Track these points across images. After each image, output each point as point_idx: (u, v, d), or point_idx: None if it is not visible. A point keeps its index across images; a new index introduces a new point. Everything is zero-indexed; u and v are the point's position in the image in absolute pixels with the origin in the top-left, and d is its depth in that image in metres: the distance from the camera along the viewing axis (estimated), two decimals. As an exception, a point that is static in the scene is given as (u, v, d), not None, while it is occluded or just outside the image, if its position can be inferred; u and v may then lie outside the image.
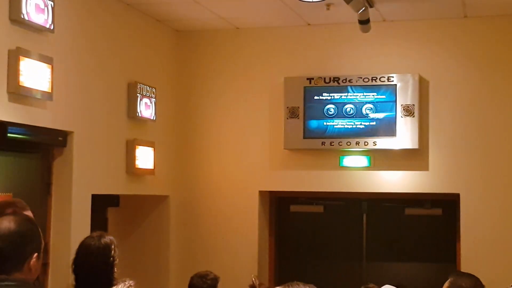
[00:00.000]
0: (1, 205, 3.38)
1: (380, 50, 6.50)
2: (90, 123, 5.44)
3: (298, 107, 6.46)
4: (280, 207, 7.03)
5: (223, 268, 5.37)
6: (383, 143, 6.29)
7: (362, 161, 6.44)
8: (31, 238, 2.35)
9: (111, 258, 3.49)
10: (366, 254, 6.76)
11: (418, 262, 6.73)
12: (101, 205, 6.06)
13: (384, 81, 6.32)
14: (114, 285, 3.34)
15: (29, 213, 3.32)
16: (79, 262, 3.49)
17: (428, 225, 6.70)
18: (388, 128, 6.27)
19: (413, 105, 6.23)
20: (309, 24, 6.65)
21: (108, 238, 3.55)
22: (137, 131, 6.15)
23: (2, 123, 4.44)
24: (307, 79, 6.47)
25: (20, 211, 3.26)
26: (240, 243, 6.64)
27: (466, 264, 6.08)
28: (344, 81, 6.41)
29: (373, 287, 4.55)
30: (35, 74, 4.60)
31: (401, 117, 6.25)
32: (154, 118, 6.32)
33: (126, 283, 3.36)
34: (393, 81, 6.31)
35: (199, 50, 6.93)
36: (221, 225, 6.73)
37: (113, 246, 3.53)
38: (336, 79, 6.43)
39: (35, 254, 2.35)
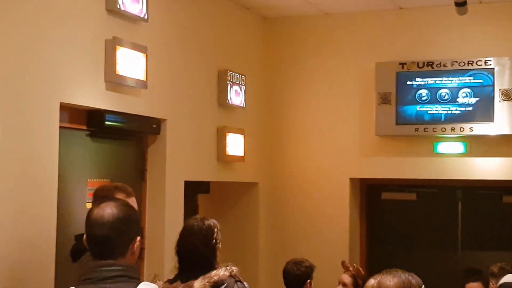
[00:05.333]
0: (109, 188, 3.44)
1: (476, 32, 6.27)
2: (182, 111, 5.51)
3: (390, 92, 6.33)
4: (371, 195, 6.93)
5: (313, 256, 5.32)
6: (480, 128, 6.09)
7: (458, 147, 6.26)
8: (133, 223, 2.38)
9: (214, 240, 3.46)
10: (461, 243, 6.58)
11: (516, 252, 6.50)
12: (192, 191, 6.14)
13: (481, 65, 6.11)
14: (216, 269, 3.34)
15: (133, 200, 3.37)
16: (182, 243, 3.49)
17: (527, 214, 6.46)
18: (485, 113, 6.06)
19: (512, 89, 6.01)
20: (401, 8, 6.48)
21: (211, 221, 3.53)
22: (227, 118, 6.18)
23: (100, 111, 4.55)
24: (400, 64, 6.33)
25: (128, 197, 3.31)
26: (331, 230, 6.59)
27: None
28: (439, 65, 6.23)
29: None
30: (130, 63, 4.68)
31: (499, 101, 6.03)
32: (244, 105, 6.34)
33: (228, 267, 3.36)
34: (490, 64, 6.08)
35: (287, 36, 6.89)
36: (311, 212, 6.70)
37: (216, 230, 3.50)
38: (430, 64, 6.26)
39: (138, 238, 2.38)
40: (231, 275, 3.36)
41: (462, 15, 5.68)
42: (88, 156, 4.71)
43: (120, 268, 2.29)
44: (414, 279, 2.93)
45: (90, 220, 2.34)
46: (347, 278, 4.85)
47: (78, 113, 4.49)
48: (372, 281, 2.77)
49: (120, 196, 3.24)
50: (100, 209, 2.33)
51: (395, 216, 6.88)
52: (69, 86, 4.23)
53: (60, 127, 4.14)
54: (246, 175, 6.58)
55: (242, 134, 6.31)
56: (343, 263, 5.05)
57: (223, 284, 3.30)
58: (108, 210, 2.32)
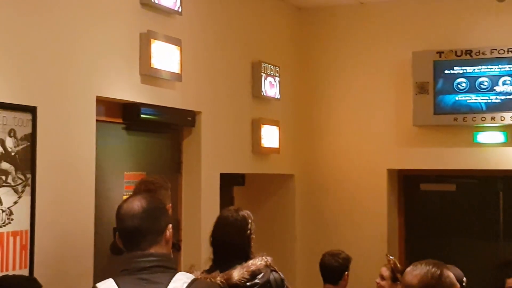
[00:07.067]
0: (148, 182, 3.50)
1: (516, 19, 6.14)
2: (217, 103, 5.50)
3: (428, 82, 6.23)
4: (409, 186, 6.84)
5: (350, 248, 5.26)
6: (521, 117, 5.98)
7: (498, 137, 6.15)
8: (162, 211, 2.42)
9: (248, 231, 3.44)
10: (503, 234, 6.46)
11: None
12: (227, 184, 6.12)
13: (521, 52, 5.99)
14: (251, 259, 3.34)
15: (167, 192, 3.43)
16: (217, 234, 3.48)
17: None
18: (526, 102, 5.95)
19: (554, 76, 5.87)
20: (438, -5, 6.39)
21: (245, 212, 3.52)
22: (262, 110, 6.15)
23: (136, 104, 4.56)
24: (437, 52, 6.22)
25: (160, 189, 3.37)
26: (368, 222, 6.52)
27: None
28: (477, 53, 6.11)
29: None
30: (165, 56, 4.69)
31: (541, 89, 5.91)
32: (278, 97, 6.30)
33: (264, 257, 3.35)
34: (530, 52, 5.96)
35: (322, 27, 6.83)
36: (348, 204, 6.64)
37: (250, 220, 3.48)
38: (468, 52, 6.14)
39: (170, 225, 2.40)
40: (266, 265, 3.36)
41: (501, 2, 5.56)
42: (124, 149, 4.74)
43: (156, 258, 2.30)
44: (455, 271, 2.86)
45: (120, 214, 2.38)
46: (385, 271, 4.77)
47: (114, 106, 4.51)
48: None
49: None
50: (128, 203, 2.39)
51: (435, 208, 6.76)
52: (105, 80, 4.25)
53: (97, 120, 4.17)
54: (282, 167, 6.55)
55: (277, 125, 6.28)
56: (386, 255, 4.98)
57: (260, 273, 3.30)
58: (136, 202, 2.37)
